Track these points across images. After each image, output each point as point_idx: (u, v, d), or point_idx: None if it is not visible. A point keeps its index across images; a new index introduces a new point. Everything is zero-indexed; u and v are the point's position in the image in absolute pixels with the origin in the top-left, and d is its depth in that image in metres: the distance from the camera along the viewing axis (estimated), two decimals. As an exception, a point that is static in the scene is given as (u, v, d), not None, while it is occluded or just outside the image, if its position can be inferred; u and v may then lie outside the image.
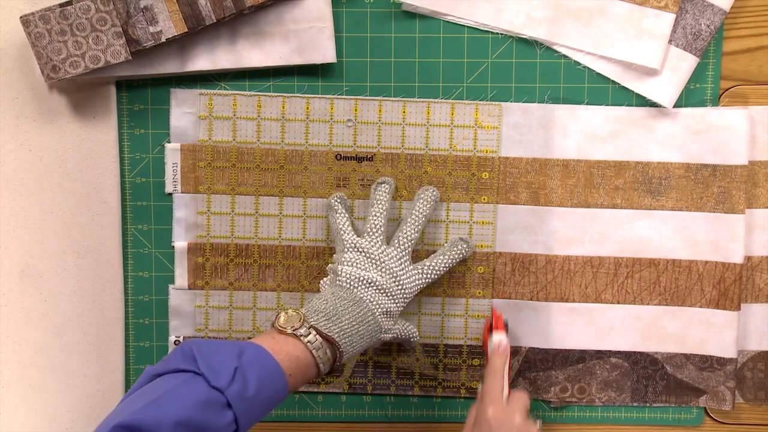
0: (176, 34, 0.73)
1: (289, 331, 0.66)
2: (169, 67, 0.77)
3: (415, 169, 0.80)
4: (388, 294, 0.73)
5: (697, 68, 0.78)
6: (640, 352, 0.81)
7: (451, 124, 0.80)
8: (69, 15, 0.72)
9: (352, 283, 0.72)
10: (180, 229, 0.80)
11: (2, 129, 0.77)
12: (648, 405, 0.82)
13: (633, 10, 0.76)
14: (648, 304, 0.81)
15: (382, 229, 0.75)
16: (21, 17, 0.72)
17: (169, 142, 0.79)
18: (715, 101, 0.79)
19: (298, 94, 0.79)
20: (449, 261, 0.77)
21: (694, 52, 0.77)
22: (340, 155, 0.80)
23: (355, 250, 0.74)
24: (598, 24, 0.77)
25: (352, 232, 0.76)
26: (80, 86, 0.77)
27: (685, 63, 0.77)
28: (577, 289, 0.81)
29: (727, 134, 0.79)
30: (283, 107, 0.79)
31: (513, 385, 0.82)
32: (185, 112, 0.79)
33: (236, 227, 0.80)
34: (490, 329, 0.76)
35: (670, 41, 0.77)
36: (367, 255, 0.73)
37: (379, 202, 0.77)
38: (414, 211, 0.77)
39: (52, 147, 0.77)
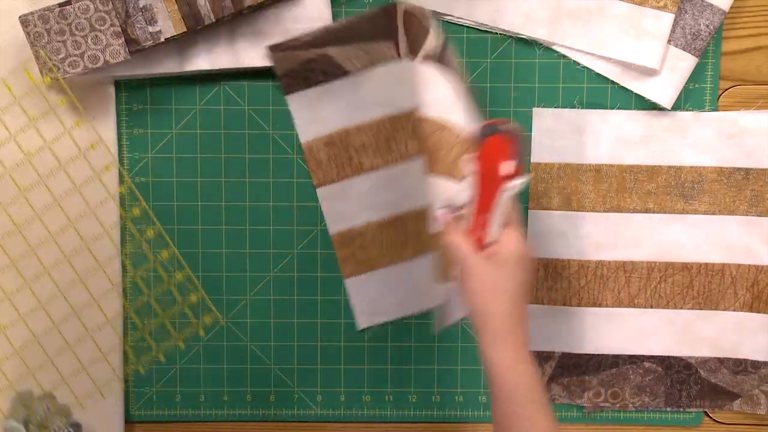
0: (175, 33, 0.73)
1: None
2: (169, 66, 0.77)
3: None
4: None
5: (696, 68, 0.78)
6: (673, 357, 0.81)
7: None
8: (68, 15, 0.72)
9: None
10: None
11: (0, 129, 0.77)
12: (682, 409, 0.82)
13: (632, 10, 0.76)
14: (681, 308, 0.81)
15: None
16: (20, 17, 0.72)
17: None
18: (714, 101, 0.80)
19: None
20: None
21: (693, 52, 0.77)
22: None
23: None
24: (597, 24, 0.77)
25: None
26: (79, 86, 0.77)
27: (684, 63, 0.77)
28: (609, 294, 0.81)
29: (760, 138, 0.79)
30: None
31: (546, 390, 0.81)
32: None
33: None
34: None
35: (669, 41, 0.77)
36: None
37: None
38: None
39: (51, 147, 0.77)
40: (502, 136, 0.64)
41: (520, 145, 0.64)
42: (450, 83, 0.71)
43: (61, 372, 0.79)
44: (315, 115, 0.78)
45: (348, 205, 0.78)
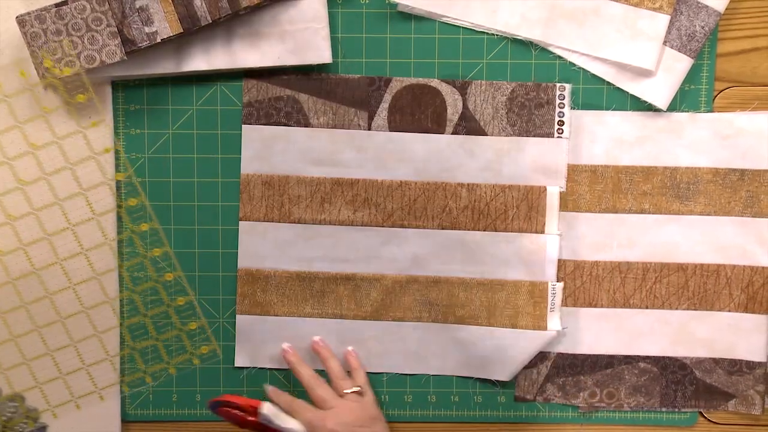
0: (172, 34, 0.73)
1: None
2: (165, 67, 0.77)
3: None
4: None
5: (692, 69, 0.78)
6: (668, 357, 0.81)
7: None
8: (65, 15, 0.72)
9: None
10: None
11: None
12: (677, 410, 0.82)
13: (628, 11, 0.77)
14: (676, 308, 0.81)
15: None
16: (17, 17, 0.72)
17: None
18: (710, 102, 0.80)
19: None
20: None
21: (688, 54, 0.77)
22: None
23: None
24: (593, 25, 0.77)
25: None
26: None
27: (679, 64, 0.77)
28: (605, 295, 0.81)
29: (756, 139, 0.79)
30: (279, 107, 0.79)
31: (542, 391, 0.82)
32: None
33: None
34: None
35: (664, 42, 0.77)
36: None
37: None
38: None
39: (48, 147, 0.78)
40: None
41: None
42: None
43: (36, 376, 0.79)
44: (263, 153, 0.79)
45: (264, 246, 0.80)
